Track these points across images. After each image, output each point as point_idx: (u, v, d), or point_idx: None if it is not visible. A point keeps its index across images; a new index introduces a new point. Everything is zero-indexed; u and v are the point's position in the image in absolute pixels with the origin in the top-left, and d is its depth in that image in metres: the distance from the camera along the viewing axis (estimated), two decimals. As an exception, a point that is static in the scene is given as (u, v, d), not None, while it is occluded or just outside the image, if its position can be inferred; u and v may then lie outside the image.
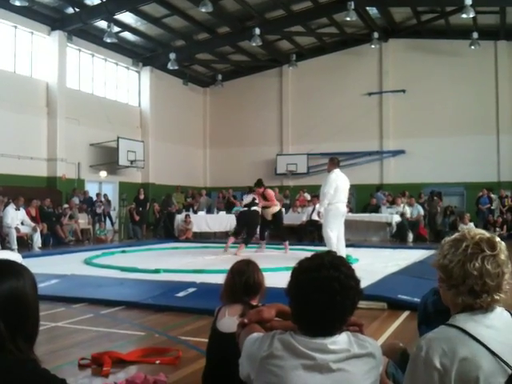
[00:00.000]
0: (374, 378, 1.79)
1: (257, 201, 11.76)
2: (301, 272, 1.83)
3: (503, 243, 1.76)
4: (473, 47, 19.91)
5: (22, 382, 1.35)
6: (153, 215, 19.39)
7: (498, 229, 16.73)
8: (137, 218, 17.44)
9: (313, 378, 1.71)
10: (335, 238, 9.54)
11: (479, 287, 1.67)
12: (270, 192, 12.01)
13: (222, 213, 18.41)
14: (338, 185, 9.52)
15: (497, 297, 1.69)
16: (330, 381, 1.71)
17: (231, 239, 11.90)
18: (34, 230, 13.34)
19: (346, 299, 1.76)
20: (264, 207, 11.77)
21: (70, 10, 17.72)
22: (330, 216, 9.56)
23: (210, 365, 2.89)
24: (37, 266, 8.31)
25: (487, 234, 1.76)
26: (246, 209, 11.96)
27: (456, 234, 1.81)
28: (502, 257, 1.71)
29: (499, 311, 1.72)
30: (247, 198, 12.22)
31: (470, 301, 1.70)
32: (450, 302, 1.78)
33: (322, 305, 1.75)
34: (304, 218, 15.92)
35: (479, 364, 1.57)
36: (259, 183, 11.96)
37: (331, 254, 1.88)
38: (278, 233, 12.17)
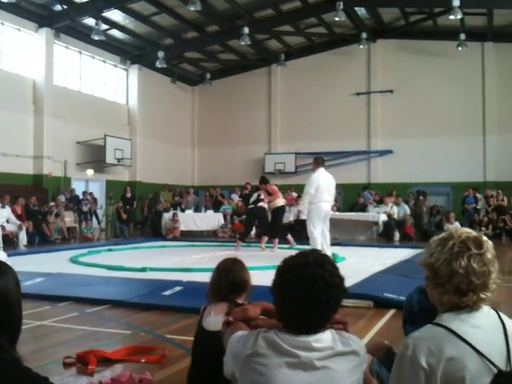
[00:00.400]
0: (357, 376, 1.80)
1: (262, 197, 11.97)
2: (285, 271, 1.83)
3: (490, 242, 1.76)
4: (460, 48, 20.04)
5: (4, 380, 1.34)
6: (140, 213, 19.32)
7: (483, 228, 16.87)
8: (124, 216, 17.38)
9: (297, 376, 1.71)
10: (320, 236, 9.58)
11: (465, 286, 1.68)
12: (273, 187, 12.44)
13: (210, 211, 18.41)
14: (319, 184, 9.54)
15: (483, 296, 1.69)
16: (314, 378, 1.72)
17: (264, 238, 12.18)
18: (20, 228, 13.23)
19: (331, 297, 1.77)
20: (270, 202, 12.05)
21: (58, 7, 17.59)
22: (312, 215, 9.61)
23: (195, 363, 2.88)
24: (22, 264, 8.26)
25: (474, 233, 1.76)
26: (252, 206, 12.14)
27: (443, 233, 1.81)
28: (489, 256, 1.71)
29: (486, 310, 1.72)
30: (253, 197, 12.37)
31: (456, 299, 1.70)
32: (436, 300, 1.78)
33: (306, 303, 1.76)
34: (291, 217, 15.95)
35: (465, 364, 1.57)
36: (263, 180, 12.26)
37: (316, 253, 1.88)
38: (271, 228, 12.11)
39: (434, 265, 1.73)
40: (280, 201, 12.18)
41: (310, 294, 1.76)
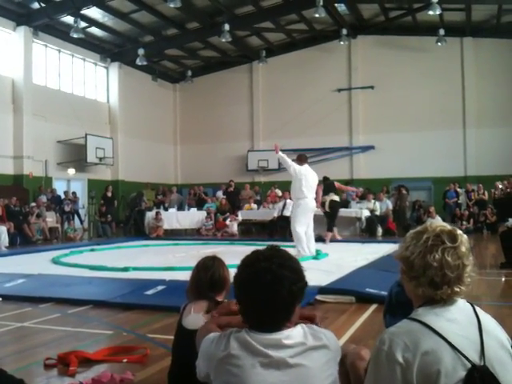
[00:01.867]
0: (331, 370, 1.81)
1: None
2: (239, 269, 1.83)
3: (465, 236, 1.78)
4: (439, 44, 20.21)
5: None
6: (122, 212, 19.20)
7: (464, 222, 17.06)
8: (107, 217, 17.27)
9: (271, 375, 1.71)
10: (303, 233, 9.63)
11: (439, 278, 1.69)
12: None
13: (193, 209, 18.36)
14: (308, 179, 9.63)
15: (457, 289, 1.70)
16: (289, 377, 1.72)
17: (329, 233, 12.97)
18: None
19: (281, 288, 1.74)
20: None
21: (36, 5, 17.40)
22: (299, 211, 9.65)
23: (175, 362, 2.88)
24: (4, 265, 8.20)
25: (448, 227, 1.78)
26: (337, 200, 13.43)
27: (418, 227, 1.83)
28: (463, 249, 1.72)
29: (461, 304, 1.74)
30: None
31: (430, 292, 1.71)
32: (411, 293, 1.79)
33: (261, 299, 1.75)
34: (275, 214, 15.97)
35: (440, 358, 1.58)
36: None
37: (271, 248, 1.87)
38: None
39: (409, 258, 1.74)
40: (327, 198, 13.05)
41: (259, 289, 1.74)
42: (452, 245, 1.71)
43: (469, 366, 1.58)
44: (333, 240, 13.14)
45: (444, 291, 1.69)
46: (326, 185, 13.06)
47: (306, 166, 9.85)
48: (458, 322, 1.68)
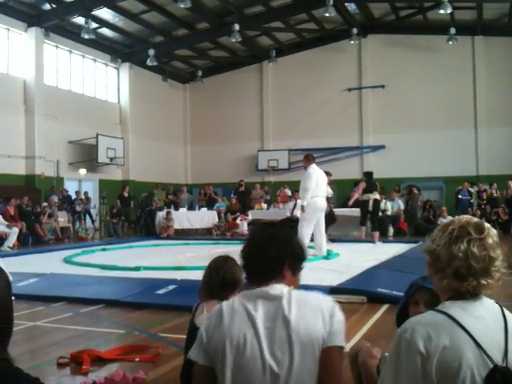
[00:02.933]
0: (317, 321, 1.86)
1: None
2: (249, 232, 2.22)
3: (493, 229, 1.74)
4: (450, 43, 20.09)
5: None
6: (133, 212, 19.27)
7: (476, 221, 16.90)
8: (121, 217, 17.40)
9: (258, 308, 1.90)
10: (308, 235, 9.54)
11: (465, 270, 1.66)
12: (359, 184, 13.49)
13: (204, 209, 18.39)
14: (317, 179, 9.62)
15: (484, 281, 1.66)
16: (274, 307, 1.89)
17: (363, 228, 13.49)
18: (9, 228, 13.02)
19: (272, 247, 2.00)
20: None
21: (47, 6, 17.48)
22: (309, 210, 9.61)
23: (188, 361, 2.88)
24: (16, 265, 8.25)
25: (475, 219, 1.76)
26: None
27: (445, 220, 1.81)
28: (490, 241, 1.69)
29: (490, 303, 1.70)
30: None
31: (455, 284, 1.68)
32: (437, 287, 1.77)
33: (253, 254, 2.04)
34: (288, 214, 15.94)
35: (463, 353, 1.55)
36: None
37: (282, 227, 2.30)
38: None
39: (435, 250, 1.73)
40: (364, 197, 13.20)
41: (255, 246, 2.04)
42: (478, 236, 1.68)
43: (491, 365, 1.55)
44: (342, 240, 13.13)
45: (470, 283, 1.66)
46: (371, 183, 13.00)
47: (314, 166, 9.85)
48: (485, 319, 1.64)
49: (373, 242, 12.48)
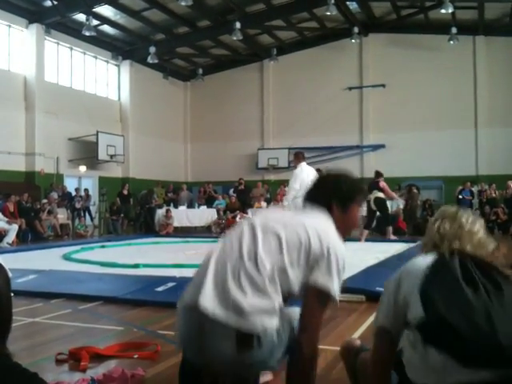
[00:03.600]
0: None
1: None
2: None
3: (468, 216, 2.10)
4: (452, 42, 20.09)
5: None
6: (133, 210, 19.29)
7: (476, 221, 16.90)
8: (120, 215, 17.40)
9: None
10: None
11: (438, 237, 2.05)
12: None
13: (203, 207, 18.41)
14: (303, 178, 9.49)
15: (455, 245, 1.99)
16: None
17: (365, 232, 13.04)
18: (9, 224, 13.05)
19: (325, 183, 2.53)
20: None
21: (48, 3, 17.46)
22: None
23: (186, 360, 2.88)
24: (15, 261, 8.25)
25: (453, 209, 2.16)
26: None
27: None
28: (462, 220, 2.06)
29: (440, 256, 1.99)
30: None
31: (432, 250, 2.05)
32: None
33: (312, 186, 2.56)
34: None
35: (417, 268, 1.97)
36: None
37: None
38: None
39: (424, 240, 2.17)
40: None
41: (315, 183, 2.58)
42: (451, 217, 2.09)
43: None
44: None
45: (444, 246, 2.00)
46: (370, 183, 13.14)
47: (303, 165, 9.76)
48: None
49: (388, 239, 12.85)
